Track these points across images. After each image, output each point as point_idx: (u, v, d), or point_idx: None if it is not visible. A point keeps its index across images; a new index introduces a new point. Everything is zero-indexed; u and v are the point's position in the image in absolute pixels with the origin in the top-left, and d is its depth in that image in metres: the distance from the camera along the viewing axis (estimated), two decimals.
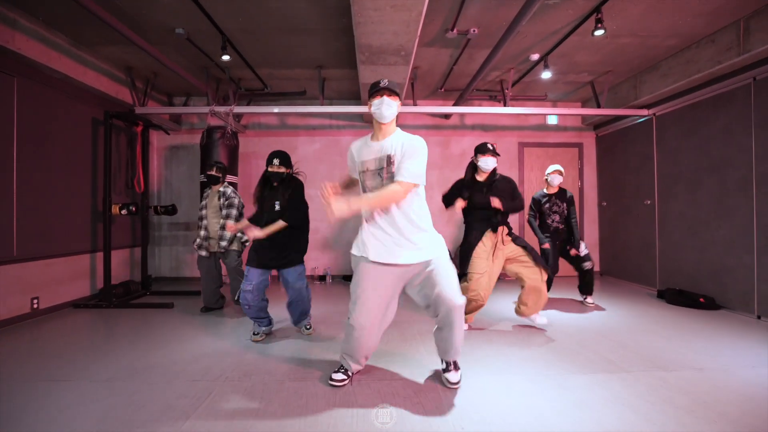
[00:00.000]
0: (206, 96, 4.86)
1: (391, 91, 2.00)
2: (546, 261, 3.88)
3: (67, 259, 3.94)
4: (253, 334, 2.99)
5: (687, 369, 2.43)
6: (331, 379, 2.19)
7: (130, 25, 3.52)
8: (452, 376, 2.19)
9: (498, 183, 3.13)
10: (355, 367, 2.22)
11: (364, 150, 2.08)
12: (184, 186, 5.68)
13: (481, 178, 3.16)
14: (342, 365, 2.24)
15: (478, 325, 3.35)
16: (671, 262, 4.57)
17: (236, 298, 3.56)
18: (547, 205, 4.00)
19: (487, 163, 3.13)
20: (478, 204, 3.09)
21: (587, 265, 3.95)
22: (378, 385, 2.19)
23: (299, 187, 2.92)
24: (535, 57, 4.30)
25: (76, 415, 1.88)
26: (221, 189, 3.65)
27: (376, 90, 2.02)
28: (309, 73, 4.82)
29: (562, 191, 4.04)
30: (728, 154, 3.81)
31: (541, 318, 3.30)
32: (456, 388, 2.15)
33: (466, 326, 3.24)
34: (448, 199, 3.23)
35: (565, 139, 6.08)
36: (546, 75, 4.47)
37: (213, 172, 3.60)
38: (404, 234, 1.98)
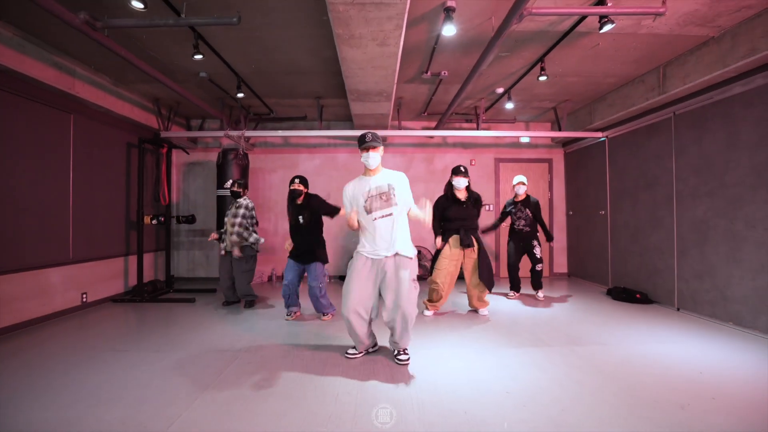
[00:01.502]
0: (220, 120, 5.67)
1: (374, 147, 2.70)
2: (510, 259, 4.86)
3: (107, 261, 4.74)
4: (287, 315, 3.97)
5: (594, 344, 3.19)
6: (347, 353, 2.91)
7: (162, 69, 4.32)
8: (402, 356, 2.82)
9: (470, 202, 3.99)
10: (361, 347, 2.92)
11: (362, 184, 2.78)
12: (200, 198, 6.48)
13: (459, 195, 4.01)
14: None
15: (442, 311, 4.12)
16: (619, 264, 5.33)
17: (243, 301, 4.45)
18: (512, 211, 4.86)
19: (459, 182, 3.97)
20: (452, 217, 3.97)
21: (539, 266, 4.73)
22: (366, 358, 2.97)
23: (315, 201, 3.82)
24: (500, 90, 5.09)
25: (139, 373, 2.65)
26: (239, 201, 4.39)
27: (362, 147, 2.71)
28: (309, 102, 5.63)
29: (527, 198, 4.85)
30: (657, 174, 4.58)
31: (484, 311, 4.13)
32: (407, 364, 2.77)
33: (431, 313, 4.05)
34: (435, 222, 4.03)
35: (536, 155, 6.86)
36: (509, 106, 5.26)
37: (234, 188, 4.38)
38: (398, 235, 2.73)
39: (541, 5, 2.99)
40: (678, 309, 4.28)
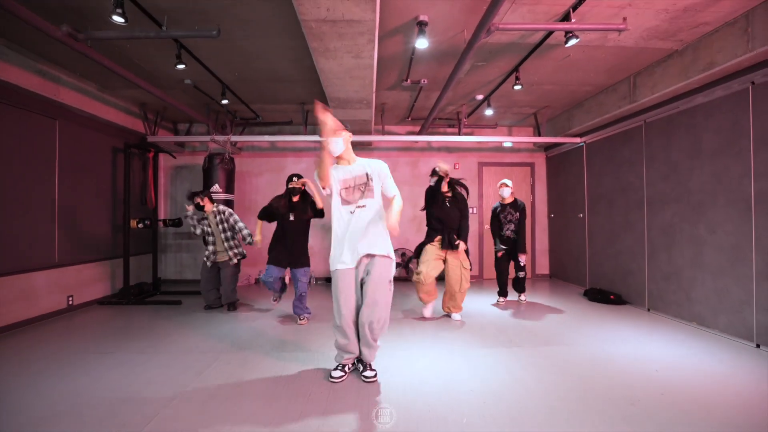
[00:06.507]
0: (207, 125, 5.75)
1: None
2: (499, 266, 4.82)
3: (93, 264, 4.81)
4: (273, 300, 4.24)
5: (562, 345, 3.33)
6: (331, 377, 2.61)
7: (147, 77, 4.40)
8: (367, 372, 2.62)
9: (454, 201, 4.03)
10: (349, 358, 2.67)
11: (338, 172, 2.61)
12: (187, 201, 6.54)
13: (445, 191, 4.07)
14: (339, 364, 2.70)
15: (422, 316, 4.24)
16: (596, 266, 5.49)
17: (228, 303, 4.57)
18: (502, 215, 4.74)
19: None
20: (435, 215, 4.06)
21: (521, 273, 4.82)
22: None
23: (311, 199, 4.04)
24: (480, 97, 5.23)
25: (122, 375, 2.74)
26: (214, 209, 4.40)
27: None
28: (294, 107, 5.73)
29: (515, 202, 4.74)
30: (630, 180, 4.74)
31: (457, 316, 4.17)
32: (373, 381, 2.58)
33: (429, 312, 4.15)
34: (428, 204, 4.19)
35: (519, 159, 7.01)
36: (489, 112, 5.39)
37: (200, 201, 4.33)
38: (375, 230, 2.58)
39: (508, 21, 3.13)
40: (648, 310, 4.44)
